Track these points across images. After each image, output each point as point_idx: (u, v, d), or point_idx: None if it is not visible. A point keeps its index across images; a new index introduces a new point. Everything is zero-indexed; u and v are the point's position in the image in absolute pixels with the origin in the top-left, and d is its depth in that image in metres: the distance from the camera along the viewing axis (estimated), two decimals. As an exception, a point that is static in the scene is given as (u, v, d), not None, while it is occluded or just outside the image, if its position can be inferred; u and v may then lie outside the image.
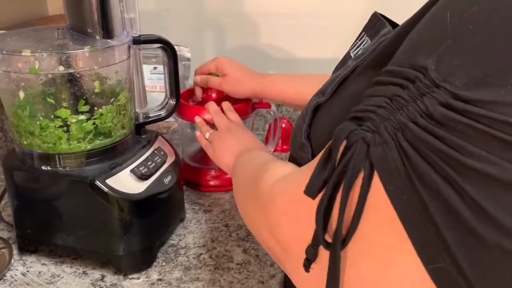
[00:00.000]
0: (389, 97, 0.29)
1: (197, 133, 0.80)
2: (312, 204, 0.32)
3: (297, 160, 0.46)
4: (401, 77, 0.29)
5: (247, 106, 0.89)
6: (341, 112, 0.36)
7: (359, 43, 0.51)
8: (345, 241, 0.30)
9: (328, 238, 0.32)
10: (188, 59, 1.08)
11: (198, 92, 0.91)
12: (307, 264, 0.34)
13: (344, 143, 0.30)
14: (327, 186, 0.31)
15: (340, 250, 0.31)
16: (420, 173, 0.26)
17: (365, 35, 0.50)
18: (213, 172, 0.92)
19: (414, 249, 0.27)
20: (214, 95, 0.89)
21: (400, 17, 0.48)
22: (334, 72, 0.51)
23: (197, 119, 0.82)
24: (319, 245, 0.33)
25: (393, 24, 0.47)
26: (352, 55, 0.50)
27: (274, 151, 1.04)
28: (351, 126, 0.30)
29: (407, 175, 0.27)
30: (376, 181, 0.28)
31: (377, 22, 0.49)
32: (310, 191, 0.32)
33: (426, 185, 0.26)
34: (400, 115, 0.27)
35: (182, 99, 0.82)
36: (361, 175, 0.29)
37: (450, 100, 0.25)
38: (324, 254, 0.32)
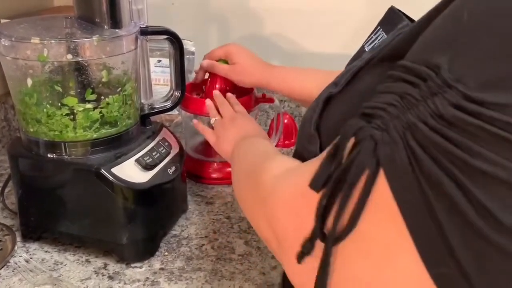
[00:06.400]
0: (399, 95, 0.29)
1: (195, 121, 0.81)
2: (315, 198, 0.32)
3: (304, 155, 0.45)
4: (413, 74, 0.28)
5: (250, 100, 0.90)
6: (353, 104, 0.36)
7: (374, 37, 0.50)
8: (341, 236, 0.30)
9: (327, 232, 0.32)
10: (192, 53, 1.08)
11: (200, 75, 0.90)
12: (301, 256, 0.34)
13: (352, 140, 0.30)
14: (331, 180, 0.31)
15: (333, 245, 0.30)
16: (427, 173, 0.26)
17: (381, 29, 0.49)
18: (215, 165, 0.92)
19: (416, 250, 0.27)
20: (217, 86, 0.89)
21: (410, 13, 0.49)
22: (347, 66, 0.50)
23: (208, 101, 0.82)
24: (316, 239, 0.32)
25: (410, 20, 0.46)
26: (366, 49, 0.49)
27: (276, 146, 1.05)
28: (360, 123, 0.30)
29: (413, 174, 0.26)
30: (381, 178, 0.28)
31: (394, 17, 0.48)
32: (315, 184, 0.32)
33: (432, 185, 0.26)
34: (410, 114, 0.27)
35: (186, 92, 0.83)
36: (366, 172, 0.29)
37: (462, 102, 0.25)
38: (320, 249, 0.32)
